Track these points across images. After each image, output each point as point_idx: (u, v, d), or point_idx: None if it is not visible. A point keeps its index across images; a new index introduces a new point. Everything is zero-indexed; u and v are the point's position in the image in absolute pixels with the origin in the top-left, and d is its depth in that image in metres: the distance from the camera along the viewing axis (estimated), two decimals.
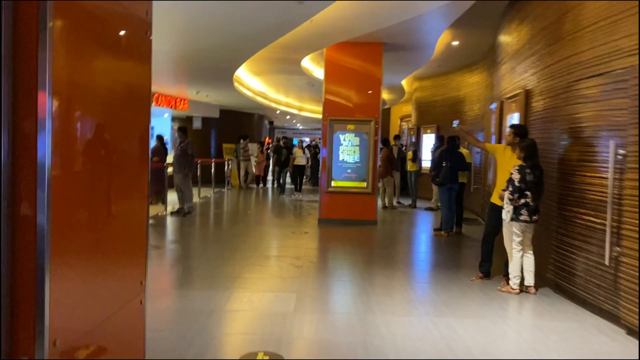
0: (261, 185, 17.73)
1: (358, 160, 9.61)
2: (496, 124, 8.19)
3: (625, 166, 4.21)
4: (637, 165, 4.04)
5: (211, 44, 8.45)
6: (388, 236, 9.06)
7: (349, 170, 9.64)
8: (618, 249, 4.27)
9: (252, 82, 15.30)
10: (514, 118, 6.85)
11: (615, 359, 3.69)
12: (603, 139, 4.57)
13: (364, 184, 9.61)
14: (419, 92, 15.36)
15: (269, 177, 19.20)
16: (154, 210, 10.20)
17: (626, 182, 4.21)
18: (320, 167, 10.52)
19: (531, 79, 6.39)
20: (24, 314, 1.83)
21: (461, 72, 12.98)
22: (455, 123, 6.36)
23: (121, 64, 2.49)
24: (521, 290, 5.26)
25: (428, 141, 14.21)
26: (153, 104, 14.61)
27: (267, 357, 3.41)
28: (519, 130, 5.53)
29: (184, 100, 16.34)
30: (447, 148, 8.53)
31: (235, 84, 13.08)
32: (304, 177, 17.04)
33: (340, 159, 9.64)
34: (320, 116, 10.30)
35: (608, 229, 4.33)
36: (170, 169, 10.76)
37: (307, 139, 34.04)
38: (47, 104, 1.78)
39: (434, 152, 10.37)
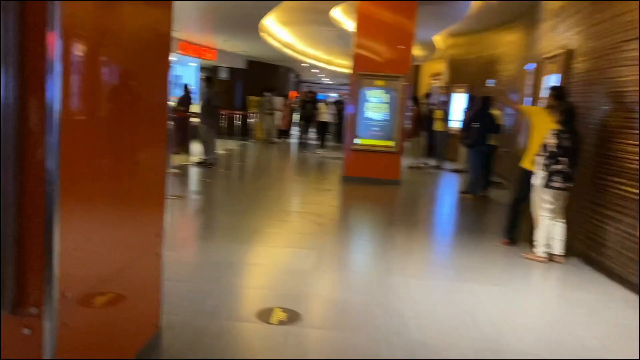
0: (285, 139, 17.59)
1: (385, 117, 9.36)
2: (532, 85, 7.82)
3: None
4: None
5: None
6: (412, 197, 8.92)
7: (375, 128, 9.41)
8: None
9: (280, 33, 14.95)
10: (553, 80, 6.50)
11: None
12: None
13: (390, 143, 9.39)
14: (452, 49, 14.83)
15: (294, 132, 19.04)
16: (179, 160, 10.20)
17: None
18: (345, 124, 10.32)
19: (575, 38, 6.01)
20: (33, 262, 1.76)
21: (497, 29, 12.40)
22: (491, 82, 6.07)
23: (140, 6, 2.34)
24: (548, 259, 5.11)
25: (459, 101, 13.79)
26: (180, 52, 14.43)
27: (284, 313, 3.37)
28: (559, 93, 5.25)
29: (212, 49, 16.11)
30: (479, 109, 8.22)
31: (263, 34, 12.79)
32: (329, 133, 16.79)
33: (367, 116, 9.40)
34: (348, 71, 10.00)
35: None
36: (195, 119, 10.68)
37: (334, 94, 33.58)
38: (56, 45, 1.66)
39: (466, 112, 10.03)
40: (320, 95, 22.17)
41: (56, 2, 1.63)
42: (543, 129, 5.20)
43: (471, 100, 11.10)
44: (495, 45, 12.52)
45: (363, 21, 9.19)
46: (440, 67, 17.20)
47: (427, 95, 14.39)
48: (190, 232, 5.63)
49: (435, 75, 18.71)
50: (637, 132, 4.43)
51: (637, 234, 4.26)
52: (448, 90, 14.75)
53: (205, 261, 4.44)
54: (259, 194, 7.91)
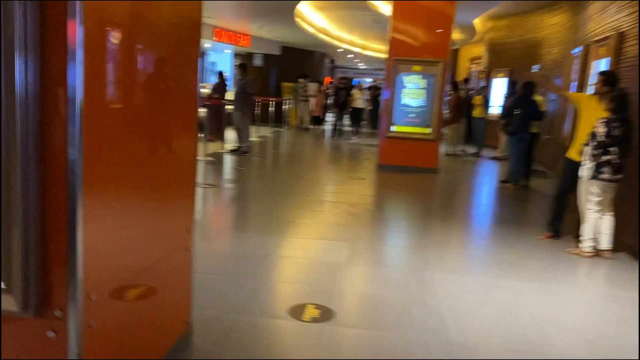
0: (319, 126, 17.45)
1: (422, 104, 9.10)
2: (579, 70, 7.44)
3: None
4: None
5: None
6: (450, 186, 8.68)
7: (412, 115, 9.18)
8: None
9: (314, 18, 14.74)
10: (602, 64, 6.15)
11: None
12: None
13: (427, 130, 9.15)
14: (492, 32, 14.32)
15: (328, 119, 18.88)
16: (213, 147, 10.22)
17: None
18: (380, 110, 10.11)
19: (626, 20, 5.65)
20: (56, 262, 1.70)
21: (541, 11, 11.89)
22: (536, 68, 5.77)
23: None
24: (594, 254, 4.85)
25: (499, 86, 13.35)
26: (215, 39, 14.42)
27: (317, 310, 3.27)
28: (609, 79, 4.93)
29: (246, 36, 16.04)
30: (521, 95, 7.89)
31: (297, 20, 12.62)
32: (363, 120, 16.53)
33: (403, 102, 9.17)
34: (384, 56, 9.76)
35: None
36: (229, 107, 10.66)
37: (369, 79, 33.16)
38: (77, 33, 1.57)
39: (507, 98, 9.67)
40: (354, 81, 21.89)
41: None
42: (591, 117, 4.92)
43: (512, 85, 10.72)
44: (538, 27, 12.02)
45: (400, 4, 8.92)
46: (480, 51, 16.68)
47: (466, 81, 13.98)
48: (222, 222, 5.60)
49: (474, 60, 18.17)
50: None
51: None
52: (488, 75, 14.29)
53: (238, 253, 4.38)
54: (292, 182, 7.83)
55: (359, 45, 21.13)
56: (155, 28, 2.14)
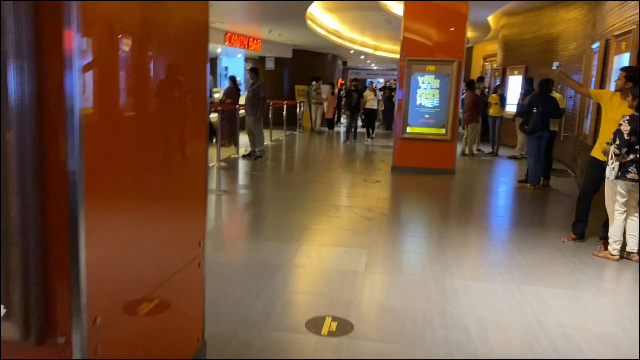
0: (332, 128, 17.32)
1: (437, 104, 8.94)
2: (598, 66, 7.23)
3: None
4: None
5: None
6: (467, 187, 8.50)
7: (427, 116, 9.02)
8: None
9: (325, 20, 14.64)
10: (624, 59, 5.95)
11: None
12: None
13: (443, 131, 8.98)
14: (506, 29, 14.08)
15: (342, 121, 18.75)
16: (226, 152, 10.16)
17: None
18: (394, 111, 9.95)
19: None
20: (58, 285, 1.59)
21: (556, 6, 11.65)
22: (555, 65, 5.59)
23: None
24: (621, 257, 4.67)
25: (515, 83, 13.12)
26: (227, 44, 14.38)
27: (335, 323, 3.16)
28: (633, 74, 4.73)
29: (257, 39, 15.99)
30: (539, 92, 7.69)
31: (309, 22, 12.53)
32: (376, 121, 16.34)
33: (418, 103, 9.01)
34: (396, 56, 9.60)
35: None
36: (242, 111, 10.59)
37: (381, 80, 32.97)
38: (74, 40, 1.47)
39: (524, 96, 9.45)
40: (367, 82, 21.71)
41: None
42: (615, 115, 4.74)
43: (527, 82, 10.50)
44: (554, 23, 11.78)
45: (412, 3, 8.78)
46: (493, 48, 16.44)
47: (481, 79, 13.75)
48: (236, 230, 5.50)
49: (488, 57, 17.93)
50: None
51: None
52: (502, 72, 14.07)
53: (252, 262, 4.28)
54: (307, 187, 7.72)
55: (370, 46, 20.97)
56: (159, 33, 2.04)
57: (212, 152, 9.29)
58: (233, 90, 11.65)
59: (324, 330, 3.05)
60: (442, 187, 8.21)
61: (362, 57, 24.00)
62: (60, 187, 1.54)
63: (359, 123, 15.49)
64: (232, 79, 11.94)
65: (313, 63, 19.68)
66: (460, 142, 11.06)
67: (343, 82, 22.89)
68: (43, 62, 1.49)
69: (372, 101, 14.39)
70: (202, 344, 2.62)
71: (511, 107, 11.95)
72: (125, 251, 1.88)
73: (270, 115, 12.95)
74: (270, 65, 18.72)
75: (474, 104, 11.34)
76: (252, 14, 12.22)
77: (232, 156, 10.04)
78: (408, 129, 9.06)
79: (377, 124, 16.59)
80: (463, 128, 12.52)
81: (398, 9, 11.44)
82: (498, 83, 13.58)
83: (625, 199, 4.58)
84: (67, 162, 1.53)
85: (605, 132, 4.86)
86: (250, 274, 3.95)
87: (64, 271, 1.59)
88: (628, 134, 4.43)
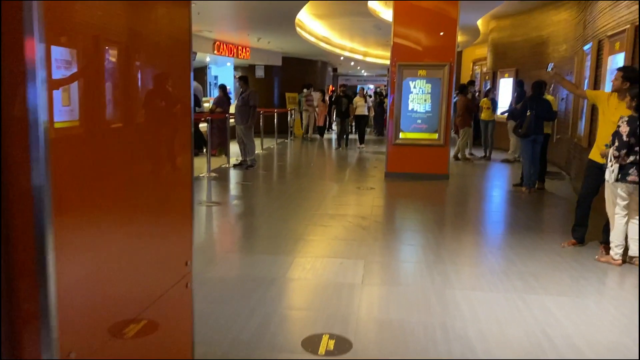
0: (324, 135, 17.20)
1: (429, 109, 8.85)
2: (592, 67, 7.16)
3: None
4: None
5: None
6: (462, 192, 8.39)
7: (419, 121, 8.92)
8: None
9: (315, 27, 14.56)
10: (618, 60, 5.87)
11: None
12: None
13: (436, 136, 8.89)
14: (496, 32, 14.07)
15: (333, 128, 18.64)
16: (217, 162, 10.00)
17: None
18: (386, 116, 9.84)
19: None
20: (25, 318, 1.45)
21: (545, 9, 11.64)
22: (551, 66, 5.50)
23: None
24: (624, 261, 4.56)
25: (505, 87, 13.08)
26: (215, 52, 14.25)
27: (332, 341, 3.00)
28: (630, 74, 4.64)
29: (246, 48, 15.88)
30: (532, 95, 7.61)
31: (298, 29, 12.43)
32: (367, 127, 16.23)
33: (410, 108, 8.91)
34: (385, 62, 9.53)
35: None
36: (232, 120, 10.44)
37: (372, 86, 32.95)
38: (36, 49, 1.33)
39: (517, 99, 9.37)
40: (357, 88, 21.62)
41: (35, 2, 1.30)
42: (613, 116, 4.65)
43: (518, 85, 10.45)
44: (543, 25, 11.77)
45: (401, 8, 8.70)
46: (483, 52, 16.43)
47: (472, 83, 13.72)
48: (227, 243, 5.34)
49: (478, 61, 17.92)
50: None
51: None
52: (493, 76, 14.03)
53: (245, 277, 4.12)
54: (300, 196, 7.57)
55: (360, 52, 20.93)
56: (136, 40, 1.90)
57: (203, 162, 9.13)
58: (223, 99, 11.51)
59: (321, 350, 2.90)
60: (436, 193, 8.10)
61: (352, 63, 23.96)
62: (24, 206, 1.39)
63: (351, 129, 15.37)
64: (222, 87, 11.80)
65: (303, 70, 19.60)
66: (453, 147, 10.97)
67: (334, 89, 22.80)
68: (3, 73, 1.35)
69: (362, 107, 14.29)
70: None
71: (503, 110, 11.89)
72: (102, 276, 1.72)
73: (261, 123, 12.81)
74: (260, 73, 18.61)
75: (467, 108, 11.28)
76: (241, 21, 12.11)
77: (223, 166, 9.89)
78: (401, 135, 8.96)
79: (367, 130, 16.49)
80: (456, 132, 12.45)
81: (387, 14, 11.38)
82: (489, 87, 13.54)
83: (626, 202, 4.47)
84: (31, 177, 1.37)
85: (603, 134, 4.76)
86: (242, 290, 3.79)
87: (31, 302, 1.43)
88: (627, 136, 4.33)
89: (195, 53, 13.56)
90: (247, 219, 6.35)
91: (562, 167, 9.93)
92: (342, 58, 20.85)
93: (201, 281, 3.88)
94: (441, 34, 8.61)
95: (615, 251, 4.56)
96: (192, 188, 2.45)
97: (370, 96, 18.70)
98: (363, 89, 16.13)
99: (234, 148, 10.56)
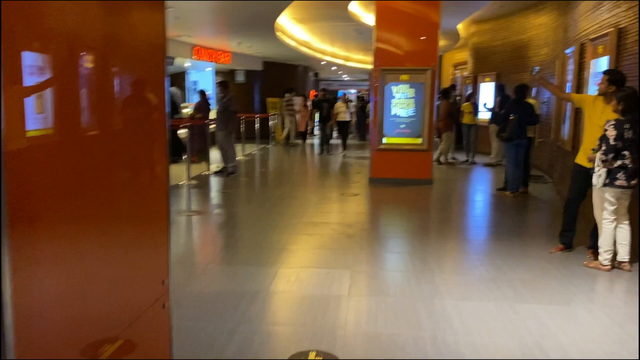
0: (306, 141, 17.05)
1: (413, 114, 8.77)
2: (575, 70, 7.15)
3: None
4: None
5: None
6: (447, 197, 8.32)
7: (403, 126, 8.84)
8: None
9: (295, 31, 14.45)
10: (601, 63, 5.85)
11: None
12: None
13: (419, 140, 8.81)
14: (476, 36, 14.11)
15: (315, 133, 18.52)
16: (197, 169, 9.79)
17: None
18: (369, 120, 9.73)
19: (626, 15, 5.36)
20: None
21: (525, 12, 11.69)
22: (536, 70, 5.44)
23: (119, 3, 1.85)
24: (612, 267, 4.50)
25: (487, 91, 13.10)
26: (195, 57, 14.04)
27: (320, 358, 2.86)
28: (615, 77, 4.60)
29: (226, 52, 15.69)
30: (515, 99, 7.58)
31: (278, 34, 12.30)
32: (350, 133, 16.11)
33: (393, 113, 8.83)
34: (367, 66, 9.46)
35: None
36: (212, 126, 10.24)
37: (353, 91, 32.95)
38: None
39: (501, 103, 9.34)
40: (340, 92, 21.57)
41: None
42: (599, 120, 4.60)
43: (500, 89, 10.44)
44: (523, 29, 11.81)
45: (383, 12, 8.62)
46: (463, 56, 16.48)
47: (453, 87, 13.73)
48: (208, 254, 5.16)
49: (458, 65, 17.98)
50: None
51: None
52: (474, 80, 14.06)
53: (227, 291, 3.94)
54: (283, 203, 7.42)
55: (341, 57, 20.89)
56: (106, 44, 1.75)
57: (182, 169, 8.91)
58: (203, 104, 11.32)
59: None
60: (421, 198, 8.01)
61: (334, 68, 23.91)
62: None
63: (333, 134, 15.24)
64: (202, 93, 11.61)
65: (284, 75, 19.48)
66: (436, 151, 10.93)
67: (316, 93, 22.71)
68: None
69: (344, 113, 14.18)
70: None
71: (485, 114, 11.88)
72: (70, 295, 1.56)
73: (242, 129, 12.64)
74: (240, 78, 18.43)
75: (449, 112, 11.25)
76: (220, 26, 11.95)
77: (204, 173, 9.69)
78: (384, 140, 8.86)
79: (350, 135, 16.39)
80: (438, 137, 12.42)
81: (368, 19, 11.32)
82: (470, 91, 13.55)
83: (615, 207, 4.42)
84: None
85: (590, 138, 4.71)
86: (224, 305, 3.62)
87: None
88: (614, 139, 4.28)
89: (173, 58, 13.33)
90: (229, 228, 6.18)
91: (545, 170, 9.94)
92: (323, 63, 20.78)
93: (181, 296, 3.71)
94: (422, 38, 8.55)
95: (604, 257, 4.50)
96: (169, 200, 2.29)
97: (351, 101, 18.61)
98: (345, 94, 16.04)
99: (215, 155, 10.36)
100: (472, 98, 12.38)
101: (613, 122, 4.33)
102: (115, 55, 1.82)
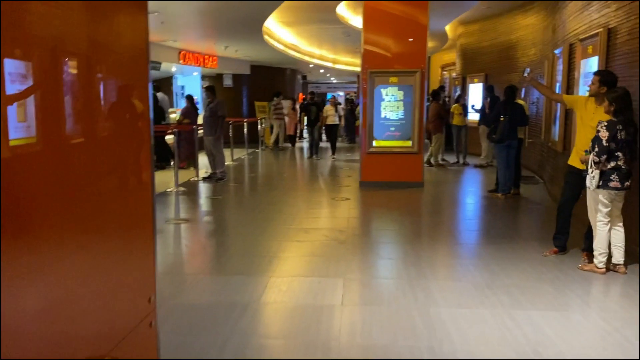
0: (295, 144, 16.95)
1: (402, 116, 8.71)
2: (564, 70, 7.13)
3: None
4: None
5: None
6: (438, 200, 8.27)
7: (392, 128, 8.77)
8: None
9: (283, 34, 14.36)
10: (591, 63, 5.82)
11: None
12: None
13: (409, 143, 8.75)
14: (464, 38, 14.11)
15: (304, 137, 18.42)
16: (185, 176, 9.65)
17: None
18: (358, 123, 9.65)
19: (615, 14, 5.33)
20: None
21: (513, 13, 11.71)
22: (527, 71, 5.40)
23: (99, 7, 1.75)
24: (607, 269, 4.45)
25: (475, 92, 13.10)
26: (180, 62, 13.90)
27: None
28: (607, 78, 4.56)
29: (213, 57, 15.55)
30: (505, 100, 7.54)
31: (266, 37, 12.21)
32: (339, 136, 15.99)
33: (383, 115, 8.76)
34: (355, 68, 9.40)
35: None
36: (200, 131, 10.11)
37: (342, 93, 32.91)
38: None
39: (491, 104, 9.32)
40: (328, 95, 21.50)
41: None
42: (591, 121, 4.55)
43: (488, 90, 10.42)
44: (511, 30, 11.83)
45: (371, 14, 8.56)
46: (451, 57, 16.49)
47: (442, 89, 13.72)
48: (198, 264, 5.04)
49: (446, 67, 18.00)
50: None
51: None
52: (462, 81, 14.06)
53: (217, 303, 3.83)
54: (273, 209, 7.31)
55: (329, 59, 20.84)
56: (87, 49, 1.65)
57: (170, 176, 8.79)
58: (190, 109, 11.17)
59: None
60: (412, 202, 7.95)
61: (322, 70, 23.86)
62: None
63: (322, 137, 15.12)
64: (189, 98, 11.46)
65: (272, 78, 19.38)
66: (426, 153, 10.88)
67: (304, 97, 22.63)
68: None
69: (333, 117, 14.07)
70: None
71: (474, 115, 11.86)
72: (49, 317, 1.46)
73: (230, 134, 12.51)
74: (228, 82, 18.30)
75: (438, 114, 11.22)
76: (207, 30, 11.83)
77: (192, 179, 9.55)
78: (374, 143, 8.79)
79: (339, 138, 16.31)
80: (428, 138, 12.38)
81: (356, 21, 11.27)
82: (459, 92, 13.55)
83: (609, 209, 4.37)
84: None
85: (582, 140, 4.67)
86: (214, 318, 3.51)
87: None
88: (607, 141, 4.24)
89: (160, 63, 13.18)
90: (218, 236, 6.06)
91: (535, 170, 9.94)
92: (311, 65, 20.71)
93: (169, 309, 3.60)
94: (411, 40, 8.50)
95: (599, 259, 4.45)
96: (154, 209, 2.19)
97: (340, 104, 18.54)
98: (334, 97, 15.96)
99: (203, 160, 10.23)
100: (461, 99, 12.36)
101: (605, 123, 4.29)
102: (97, 60, 1.74)
